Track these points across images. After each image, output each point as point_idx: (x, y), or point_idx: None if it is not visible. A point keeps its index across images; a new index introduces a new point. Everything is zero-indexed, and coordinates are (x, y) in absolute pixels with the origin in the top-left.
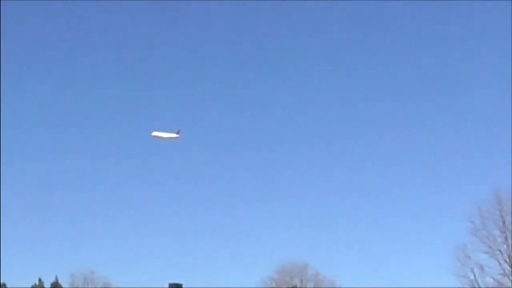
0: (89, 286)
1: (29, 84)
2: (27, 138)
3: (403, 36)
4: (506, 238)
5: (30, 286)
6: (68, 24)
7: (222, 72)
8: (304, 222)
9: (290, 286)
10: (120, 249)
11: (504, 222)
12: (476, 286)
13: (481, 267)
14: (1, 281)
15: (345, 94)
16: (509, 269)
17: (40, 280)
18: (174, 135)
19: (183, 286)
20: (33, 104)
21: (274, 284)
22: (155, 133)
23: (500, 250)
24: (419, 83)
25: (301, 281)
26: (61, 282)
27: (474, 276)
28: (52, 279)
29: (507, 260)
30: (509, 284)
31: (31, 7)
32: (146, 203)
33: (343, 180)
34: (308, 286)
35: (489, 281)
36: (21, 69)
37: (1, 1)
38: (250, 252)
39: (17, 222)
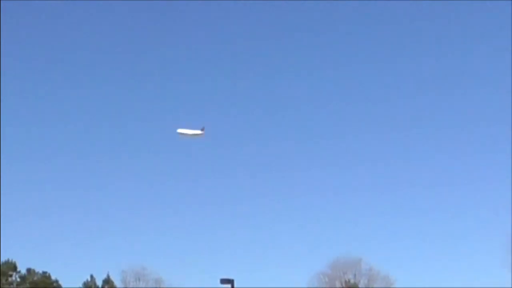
0: (141, 282)
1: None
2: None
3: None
4: None
5: (81, 282)
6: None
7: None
8: (358, 216)
9: (343, 281)
10: (171, 245)
11: None
12: None
13: None
14: (54, 278)
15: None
16: None
17: (91, 276)
18: (198, 132)
19: (235, 281)
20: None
21: (326, 280)
22: (180, 130)
23: None
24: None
25: (354, 276)
26: (113, 278)
27: None
28: (104, 276)
29: None
30: None
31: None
32: (196, 199)
33: (397, 175)
34: (361, 281)
35: None
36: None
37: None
38: (303, 247)
39: (68, 219)
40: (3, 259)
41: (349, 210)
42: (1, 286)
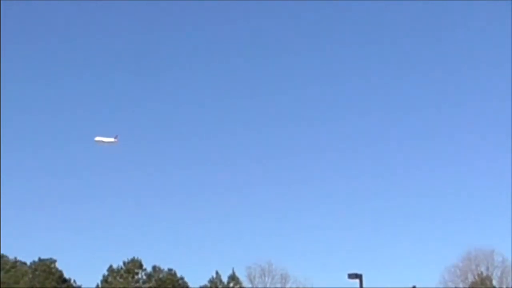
0: (266, 278)
1: None
2: None
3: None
4: None
5: (207, 279)
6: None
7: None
8: (489, 206)
9: (476, 274)
10: (298, 240)
11: None
12: None
13: None
14: (179, 275)
15: None
16: None
17: (217, 273)
18: (112, 139)
19: (363, 276)
20: None
21: (458, 272)
22: (97, 138)
23: None
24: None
25: (487, 268)
26: (238, 274)
27: None
28: (229, 272)
29: None
30: None
31: None
32: (322, 193)
33: None
34: (494, 273)
35: None
36: None
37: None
38: (434, 240)
39: (192, 216)
40: (129, 257)
41: (479, 201)
42: (128, 284)
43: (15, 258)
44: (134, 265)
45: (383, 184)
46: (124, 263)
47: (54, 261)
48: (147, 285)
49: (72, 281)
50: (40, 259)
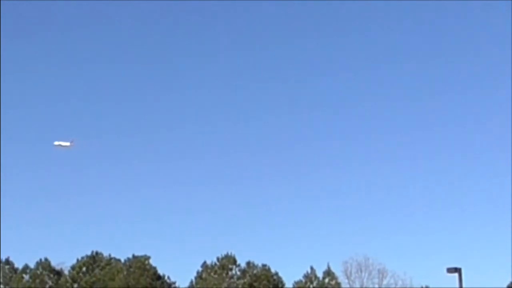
0: (363, 273)
1: None
2: None
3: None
4: None
5: (302, 275)
6: None
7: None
8: None
9: None
10: (395, 234)
11: None
12: None
13: None
14: (274, 271)
15: None
16: None
17: (312, 268)
18: (68, 143)
19: (463, 270)
20: None
21: None
22: (56, 143)
23: None
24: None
25: None
26: (334, 270)
27: None
28: (324, 267)
29: None
30: None
31: None
32: (417, 185)
33: None
34: None
35: None
36: None
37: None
38: None
39: (285, 212)
40: (223, 253)
41: None
42: (222, 280)
43: (110, 255)
44: (228, 261)
45: (482, 175)
46: (218, 259)
47: (148, 257)
48: (241, 281)
49: (166, 277)
50: (134, 256)
